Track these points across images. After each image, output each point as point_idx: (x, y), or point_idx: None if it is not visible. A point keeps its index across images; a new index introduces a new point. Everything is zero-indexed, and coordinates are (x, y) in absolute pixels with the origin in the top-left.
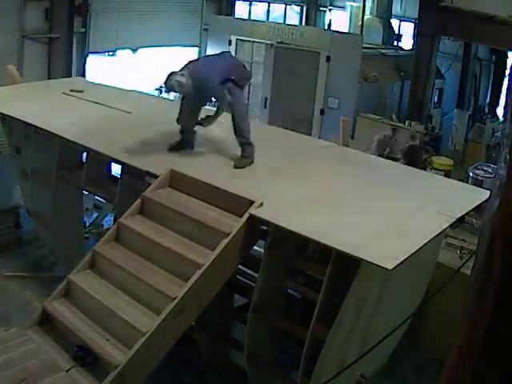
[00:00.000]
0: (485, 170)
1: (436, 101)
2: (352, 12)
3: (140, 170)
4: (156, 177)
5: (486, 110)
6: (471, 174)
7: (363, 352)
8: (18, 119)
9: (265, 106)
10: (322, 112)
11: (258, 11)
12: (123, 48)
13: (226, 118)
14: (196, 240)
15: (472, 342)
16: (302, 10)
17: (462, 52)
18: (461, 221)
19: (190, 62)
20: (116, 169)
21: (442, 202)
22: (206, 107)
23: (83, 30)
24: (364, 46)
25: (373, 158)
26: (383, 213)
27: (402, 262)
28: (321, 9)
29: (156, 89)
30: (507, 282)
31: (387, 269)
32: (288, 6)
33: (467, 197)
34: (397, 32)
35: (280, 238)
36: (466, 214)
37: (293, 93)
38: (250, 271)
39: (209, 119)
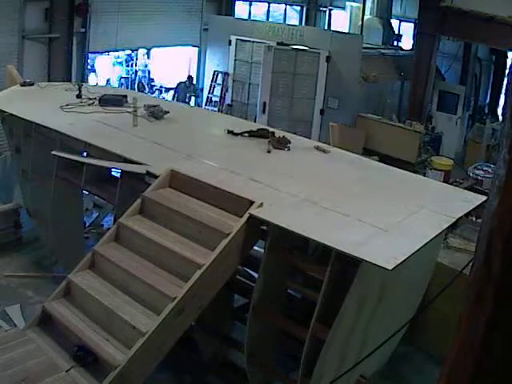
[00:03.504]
0: (485, 170)
1: None
2: (352, 12)
3: None
4: (156, 177)
5: (486, 110)
6: (471, 174)
7: (363, 352)
8: None
9: (263, 112)
10: (321, 112)
11: (258, 11)
12: (123, 48)
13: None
14: (196, 240)
15: (472, 341)
16: (302, 10)
17: (461, 52)
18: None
19: None
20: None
21: (442, 203)
22: None
23: (83, 30)
24: (364, 46)
25: (370, 160)
26: (383, 213)
27: (401, 262)
28: (321, 9)
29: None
30: (506, 281)
31: (387, 269)
32: (288, 6)
33: (467, 198)
34: (397, 32)
35: (280, 238)
36: (466, 214)
37: (293, 93)
38: (250, 271)
39: None
